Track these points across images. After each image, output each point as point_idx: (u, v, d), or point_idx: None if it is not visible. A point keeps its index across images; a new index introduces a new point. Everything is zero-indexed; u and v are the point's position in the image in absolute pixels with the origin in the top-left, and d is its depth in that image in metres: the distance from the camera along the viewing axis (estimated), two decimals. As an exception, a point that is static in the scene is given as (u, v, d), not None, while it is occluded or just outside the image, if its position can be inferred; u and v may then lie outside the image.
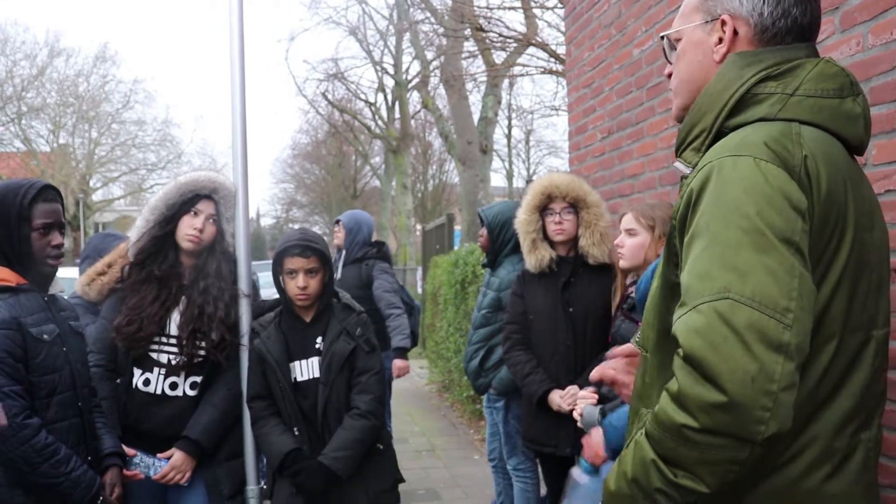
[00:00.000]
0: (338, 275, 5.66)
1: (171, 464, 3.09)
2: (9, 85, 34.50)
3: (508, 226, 4.31)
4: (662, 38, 1.72)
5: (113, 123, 38.32)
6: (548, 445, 3.91)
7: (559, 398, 3.75)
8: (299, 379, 3.15)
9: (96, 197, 40.50)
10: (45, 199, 2.64)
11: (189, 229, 3.17)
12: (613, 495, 1.46)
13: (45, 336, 2.59)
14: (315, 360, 3.14)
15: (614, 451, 2.63)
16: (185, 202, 3.18)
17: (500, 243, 4.49)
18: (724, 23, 1.60)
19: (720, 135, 1.51)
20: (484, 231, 4.59)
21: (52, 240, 2.64)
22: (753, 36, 1.58)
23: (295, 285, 3.11)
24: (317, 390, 3.11)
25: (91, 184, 39.37)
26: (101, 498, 2.66)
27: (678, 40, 1.69)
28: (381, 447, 3.23)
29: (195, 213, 3.18)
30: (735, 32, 1.59)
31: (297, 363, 3.16)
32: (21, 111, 35.19)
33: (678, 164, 1.57)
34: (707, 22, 1.63)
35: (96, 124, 37.85)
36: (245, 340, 3.23)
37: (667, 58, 1.74)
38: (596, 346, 3.74)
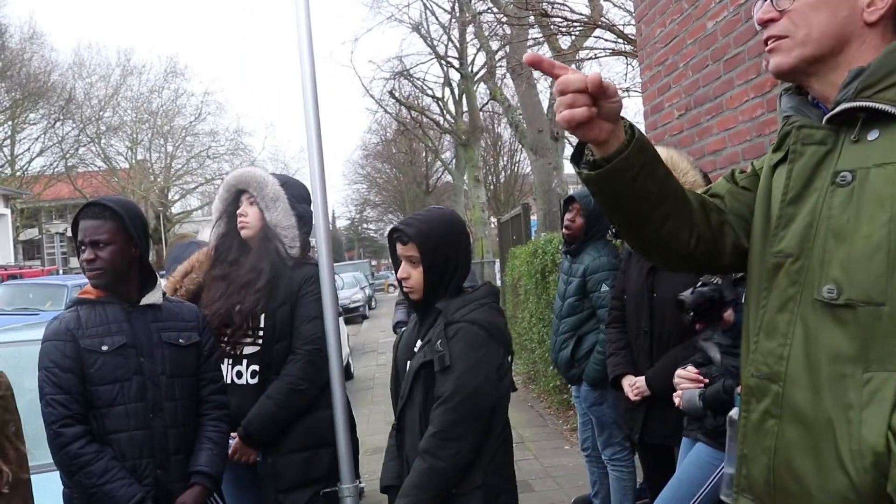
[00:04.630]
0: None
1: (234, 446, 3.17)
2: (87, 106, 35.72)
3: (606, 210, 4.21)
4: None
5: (187, 136, 39.41)
6: (626, 427, 3.91)
7: (627, 385, 3.70)
8: None
9: (175, 209, 41.60)
10: (84, 216, 2.71)
11: (239, 219, 3.33)
12: None
13: (103, 347, 2.61)
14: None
15: None
16: (237, 195, 3.36)
17: (596, 228, 4.38)
18: None
19: None
20: (574, 216, 4.45)
21: (85, 257, 2.68)
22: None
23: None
24: None
25: (170, 196, 40.49)
26: None
27: None
28: None
29: (240, 205, 3.36)
30: None
31: None
32: (100, 130, 36.41)
33: (885, 107, 1.47)
34: None
35: (171, 138, 38.98)
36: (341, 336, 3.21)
37: (772, 2, 1.62)
38: (674, 335, 3.54)
